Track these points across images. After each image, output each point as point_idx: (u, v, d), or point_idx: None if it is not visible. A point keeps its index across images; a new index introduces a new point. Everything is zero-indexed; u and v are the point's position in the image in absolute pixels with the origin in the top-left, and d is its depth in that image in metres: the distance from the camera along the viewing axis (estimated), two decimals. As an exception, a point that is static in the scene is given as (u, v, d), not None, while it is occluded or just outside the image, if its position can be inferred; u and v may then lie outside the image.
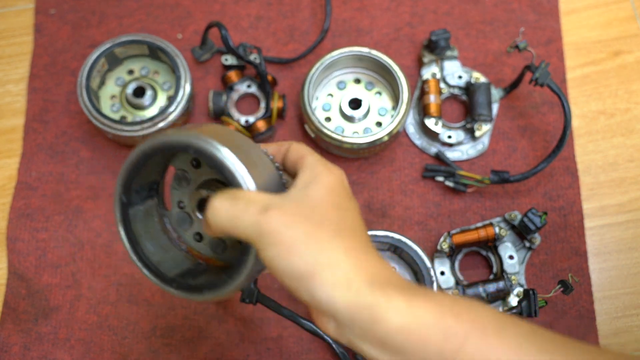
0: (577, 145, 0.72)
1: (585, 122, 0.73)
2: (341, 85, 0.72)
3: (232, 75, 0.72)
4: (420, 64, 0.74)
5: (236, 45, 0.72)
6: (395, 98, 0.71)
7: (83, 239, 0.69)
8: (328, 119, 0.71)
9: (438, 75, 0.72)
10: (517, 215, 0.66)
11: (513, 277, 0.64)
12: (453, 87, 0.73)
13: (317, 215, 0.38)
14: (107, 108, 0.71)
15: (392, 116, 0.70)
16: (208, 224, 0.38)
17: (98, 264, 0.68)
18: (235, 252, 0.46)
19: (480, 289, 0.64)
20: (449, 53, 0.72)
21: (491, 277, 0.66)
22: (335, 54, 0.70)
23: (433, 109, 0.70)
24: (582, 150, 0.72)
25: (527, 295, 0.60)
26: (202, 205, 0.45)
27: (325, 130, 0.67)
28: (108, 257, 0.68)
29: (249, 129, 0.71)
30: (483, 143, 0.71)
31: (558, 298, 0.65)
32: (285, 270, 0.36)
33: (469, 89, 0.72)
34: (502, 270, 0.65)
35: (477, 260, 0.68)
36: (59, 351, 0.65)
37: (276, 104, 0.71)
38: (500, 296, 0.64)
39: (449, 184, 0.68)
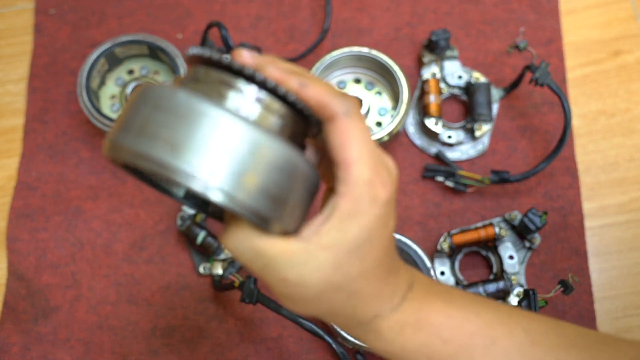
0: (577, 145, 0.72)
1: (585, 122, 0.73)
2: (341, 85, 0.72)
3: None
4: (420, 64, 0.74)
5: (236, 45, 0.72)
6: (395, 98, 0.71)
7: (83, 239, 0.69)
8: (328, 119, 0.71)
9: (438, 75, 0.72)
10: (517, 215, 0.66)
11: (513, 277, 0.64)
12: (453, 87, 0.73)
13: (356, 263, 0.34)
14: (107, 108, 0.71)
15: (392, 116, 0.70)
16: (227, 248, 0.35)
17: (98, 264, 0.68)
18: None
19: (480, 289, 0.64)
20: (449, 53, 0.72)
21: (491, 277, 0.66)
22: (335, 54, 0.70)
23: (433, 109, 0.70)
24: (582, 150, 0.72)
25: (527, 295, 0.60)
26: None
27: (325, 130, 0.67)
28: (108, 257, 0.68)
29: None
30: (483, 143, 0.71)
31: (558, 298, 0.65)
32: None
33: (469, 89, 0.72)
34: (502, 270, 0.65)
35: (477, 260, 0.68)
36: (59, 351, 0.65)
37: (276, 104, 0.71)
38: (500, 296, 0.64)
39: (449, 184, 0.68)
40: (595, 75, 0.75)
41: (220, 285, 0.63)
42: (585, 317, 0.65)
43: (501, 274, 0.65)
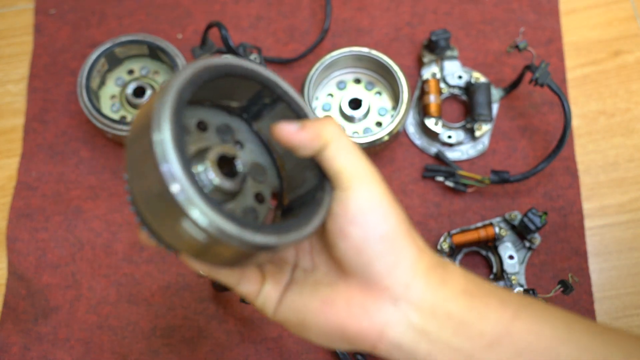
0: (577, 145, 0.72)
1: (585, 122, 0.73)
2: (341, 85, 0.72)
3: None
4: (420, 64, 0.74)
5: (236, 45, 0.72)
6: (396, 98, 0.71)
7: (83, 239, 0.69)
8: (328, 119, 0.71)
9: (438, 75, 0.72)
10: (517, 215, 0.66)
11: (513, 277, 0.64)
12: (453, 87, 0.73)
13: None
14: (107, 108, 0.71)
15: (392, 116, 0.70)
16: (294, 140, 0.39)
17: (98, 264, 0.68)
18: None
19: (480, 289, 0.64)
20: (449, 53, 0.72)
21: (491, 277, 0.66)
22: (335, 54, 0.70)
23: (433, 109, 0.70)
24: (582, 150, 0.72)
25: (527, 295, 0.60)
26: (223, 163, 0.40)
27: (325, 130, 0.67)
28: (108, 257, 0.68)
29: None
30: (483, 143, 0.71)
31: (558, 298, 0.65)
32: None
33: (469, 89, 0.72)
34: (502, 270, 0.65)
35: (477, 260, 0.68)
36: (59, 351, 0.65)
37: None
38: (500, 296, 0.64)
39: (449, 184, 0.68)
40: (595, 75, 0.75)
41: (220, 285, 0.63)
42: (585, 317, 0.65)
43: (501, 274, 0.65)
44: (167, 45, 0.69)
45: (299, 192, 0.42)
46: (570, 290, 0.60)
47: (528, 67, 0.67)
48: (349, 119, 0.70)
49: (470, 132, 0.71)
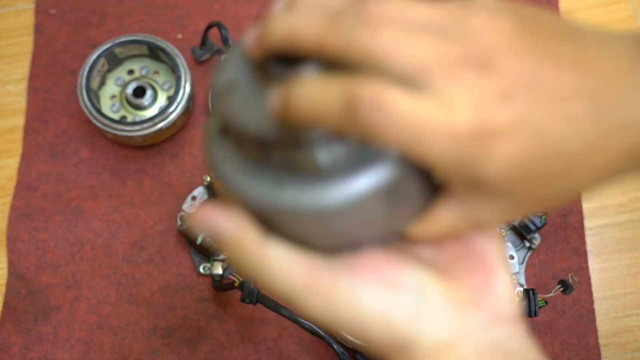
0: (577, 145, 0.72)
1: (585, 122, 0.73)
2: (341, 85, 0.72)
3: (232, 75, 0.72)
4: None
5: (236, 45, 0.72)
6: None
7: (83, 239, 0.69)
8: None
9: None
10: (517, 215, 0.66)
11: (513, 277, 0.64)
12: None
13: None
14: (107, 108, 0.71)
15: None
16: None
17: (98, 264, 0.68)
18: None
19: (480, 289, 0.64)
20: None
21: (491, 277, 0.66)
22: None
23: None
24: (582, 150, 0.72)
25: (527, 295, 0.60)
26: None
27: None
28: (108, 257, 0.68)
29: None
30: (483, 143, 0.71)
31: (558, 298, 0.65)
32: None
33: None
34: (502, 270, 0.65)
35: (477, 260, 0.68)
36: (59, 351, 0.65)
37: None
38: (500, 296, 0.64)
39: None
40: (595, 75, 0.75)
41: (220, 285, 0.63)
42: (585, 317, 0.65)
43: (501, 274, 0.65)
44: (167, 45, 0.69)
45: None
46: (570, 290, 0.60)
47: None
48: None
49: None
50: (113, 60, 0.71)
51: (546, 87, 0.25)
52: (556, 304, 0.66)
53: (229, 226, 0.29)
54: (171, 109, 0.67)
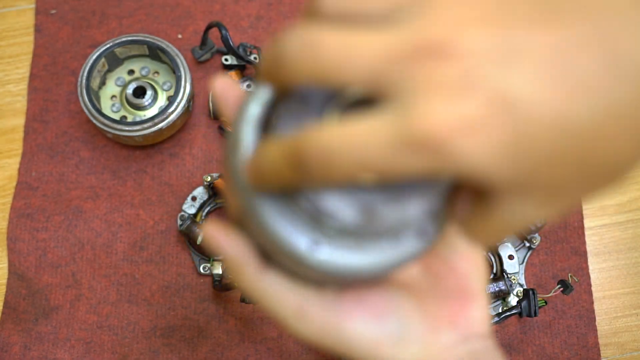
0: (577, 145, 0.72)
1: (585, 122, 0.73)
2: (341, 85, 0.72)
3: (233, 75, 0.72)
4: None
5: (236, 45, 0.72)
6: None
7: (83, 239, 0.69)
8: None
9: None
10: (516, 215, 0.66)
11: (513, 277, 0.64)
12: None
13: None
14: (107, 108, 0.71)
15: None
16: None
17: (98, 264, 0.68)
18: None
19: (480, 289, 0.64)
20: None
21: (491, 277, 0.66)
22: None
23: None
24: (582, 150, 0.72)
25: (527, 295, 0.61)
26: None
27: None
28: (108, 257, 0.68)
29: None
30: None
31: (558, 298, 0.66)
32: None
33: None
34: (502, 270, 0.65)
35: (477, 260, 0.68)
36: (59, 351, 0.65)
37: (276, 104, 0.71)
38: (500, 296, 0.64)
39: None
40: (595, 75, 0.75)
41: (220, 285, 0.63)
42: (584, 316, 0.65)
43: (501, 274, 0.65)
44: (167, 45, 0.69)
45: None
46: (569, 290, 0.60)
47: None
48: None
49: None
50: (113, 61, 0.71)
51: (530, 49, 0.21)
52: (556, 304, 0.66)
53: (232, 251, 0.31)
54: (171, 109, 0.67)
